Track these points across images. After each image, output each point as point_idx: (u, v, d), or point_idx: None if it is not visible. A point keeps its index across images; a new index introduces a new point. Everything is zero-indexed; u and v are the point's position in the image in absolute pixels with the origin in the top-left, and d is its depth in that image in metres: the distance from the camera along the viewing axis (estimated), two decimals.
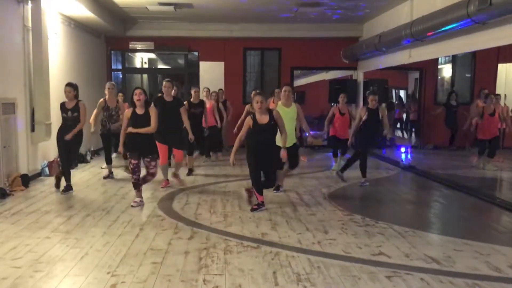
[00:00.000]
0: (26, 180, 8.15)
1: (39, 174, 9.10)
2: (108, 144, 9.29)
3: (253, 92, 7.64)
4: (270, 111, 6.63)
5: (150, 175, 7.06)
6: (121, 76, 15.07)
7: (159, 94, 8.82)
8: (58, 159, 9.78)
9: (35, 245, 5.11)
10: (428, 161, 11.98)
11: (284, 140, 6.69)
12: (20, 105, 8.36)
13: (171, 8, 11.25)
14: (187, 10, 11.74)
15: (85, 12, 10.31)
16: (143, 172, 7.07)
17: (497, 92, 13.73)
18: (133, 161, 6.88)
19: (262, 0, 10.87)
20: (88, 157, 11.28)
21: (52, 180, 8.87)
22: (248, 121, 6.61)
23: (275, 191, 7.82)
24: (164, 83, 8.38)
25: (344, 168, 8.81)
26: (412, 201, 8.17)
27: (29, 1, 8.60)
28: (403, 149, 13.33)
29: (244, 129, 6.66)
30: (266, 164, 6.64)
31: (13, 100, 8.11)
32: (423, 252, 4.99)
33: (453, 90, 14.39)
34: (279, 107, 7.36)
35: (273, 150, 6.65)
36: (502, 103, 12.74)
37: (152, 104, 7.33)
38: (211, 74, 14.36)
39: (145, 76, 18.54)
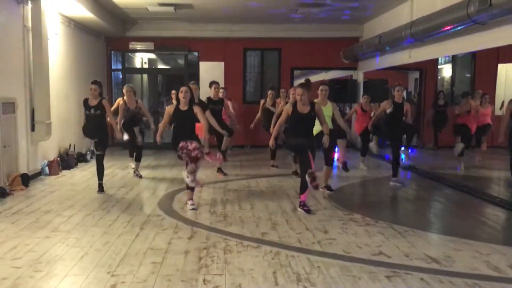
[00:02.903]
0: (26, 180, 8.15)
1: (39, 173, 9.10)
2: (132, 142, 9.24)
3: (295, 87, 7.40)
4: (312, 104, 6.62)
5: (191, 159, 6.56)
6: (121, 76, 15.07)
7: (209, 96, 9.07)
8: (58, 159, 9.82)
9: (35, 244, 5.12)
10: (428, 161, 11.98)
11: (326, 129, 6.73)
12: (20, 104, 8.36)
13: (171, 8, 11.25)
14: (187, 11, 11.74)
15: (85, 13, 10.31)
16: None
17: (497, 92, 13.77)
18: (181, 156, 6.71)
19: (263, 0, 10.87)
20: (88, 157, 11.28)
21: (52, 180, 8.89)
22: (288, 108, 6.60)
23: (328, 191, 7.84)
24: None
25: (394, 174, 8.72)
26: (412, 200, 8.17)
27: (29, 2, 8.61)
28: (403, 149, 13.35)
29: (283, 116, 6.65)
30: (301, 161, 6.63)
31: (13, 99, 8.11)
32: (423, 251, 4.99)
33: (441, 90, 14.44)
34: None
35: (311, 141, 6.61)
36: (500, 102, 12.73)
37: (197, 104, 7.07)
38: (211, 74, 14.27)
39: (145, 76, 18.56)
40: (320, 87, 7.69)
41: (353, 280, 4.21)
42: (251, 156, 12.42)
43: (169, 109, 6.87)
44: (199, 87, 9.61)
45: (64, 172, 9.65)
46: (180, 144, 6.58)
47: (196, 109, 6.75)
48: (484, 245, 5.25)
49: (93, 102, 7.73)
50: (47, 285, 4.11)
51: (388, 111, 8.49)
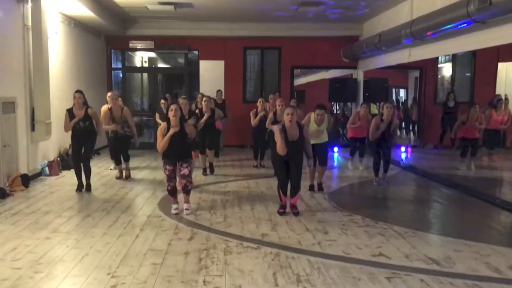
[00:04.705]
0: (26, 180, 8.14)
1: (39, 173, 9.09)
2: (113, 146, 9.12)
3: (286, 106, 7.46)
4: (300, 126, 6.50)
5: (180, 176, 6.57)
6: (121, 75, 15.08)
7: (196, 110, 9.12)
8: (58, 159, 9.82)
9: (35, 245, 5.12)
10: (428, 161, 11.97)
11: (306, 150, 6.71)
12: (20, 104, 8.35)
13: (171, 7, 11.24)
14: (187, 10, 11.72)
15: (85, 12, 10.30)
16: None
17: (497, 91, 13.74)
18: (168, 167, 6.46)
19: None
20: None
21: (52, 180, 8.88)
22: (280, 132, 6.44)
23: (318, 191, 7.91)
24: (180, 100, 8.06)
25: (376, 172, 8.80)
26: (412, 201, 8.17)
27: (29, 1, 8.59)
28: (403, 149, 13.36)
29: (278, 143, 6.42)
30: (292, 174, 6.52)
31: (13, 99, 8.10)
32: (423, 253, 4.99)
33: (451, 91, 14.26)
34: (312, 124, 7.57)
35: (300, 160, 6.55)
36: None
37: (189, 121, 6.93)
38: (211, 73, 14.35)
39: (145, 75, 18.55)
40: (316, 111, 7.63)
41: (353, 281, 4.21)
42: (251, 156, 12.39)
43: (161, 129, 6.43)
44: (207, 97, 9.54)
45: (64, 172, 9.62)
46: (170, 167, 6.47)
47: (188, 130, 6.47)
48: (484, 246, 5.25)
49: (78, 112, 7.66)
50: (47, 286, 4.11)
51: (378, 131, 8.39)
